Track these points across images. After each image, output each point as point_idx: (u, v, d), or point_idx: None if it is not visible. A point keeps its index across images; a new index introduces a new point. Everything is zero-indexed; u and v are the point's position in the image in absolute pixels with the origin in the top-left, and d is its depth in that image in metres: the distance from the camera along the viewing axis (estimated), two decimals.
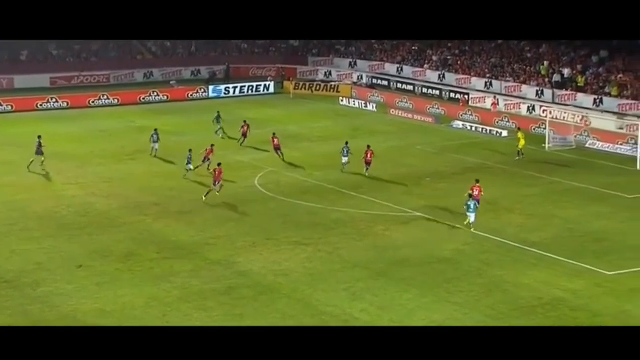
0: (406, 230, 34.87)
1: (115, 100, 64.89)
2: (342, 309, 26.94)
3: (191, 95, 67.58)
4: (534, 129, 54.30)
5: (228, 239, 33.85)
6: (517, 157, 47.27)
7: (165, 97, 66.64)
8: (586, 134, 51.78)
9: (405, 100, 64.79)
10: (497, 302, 27.47)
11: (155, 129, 48.36)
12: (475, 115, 59.18)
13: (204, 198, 38.77)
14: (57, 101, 63.60)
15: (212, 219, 36.31)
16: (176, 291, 28.42)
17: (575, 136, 51.13)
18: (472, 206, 34.71)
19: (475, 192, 36.00)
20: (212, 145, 44.36)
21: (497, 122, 57.30)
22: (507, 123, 56.80)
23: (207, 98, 67.37)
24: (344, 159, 44.41)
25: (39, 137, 45.70)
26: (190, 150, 43.04)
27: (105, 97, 64.79)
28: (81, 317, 26.11)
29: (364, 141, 46.45)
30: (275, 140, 47.12)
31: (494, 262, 31.23)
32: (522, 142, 47.66)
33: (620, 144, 49.94)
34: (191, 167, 42.75)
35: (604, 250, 32.45)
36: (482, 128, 55.65)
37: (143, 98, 65.84)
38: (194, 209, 37.80)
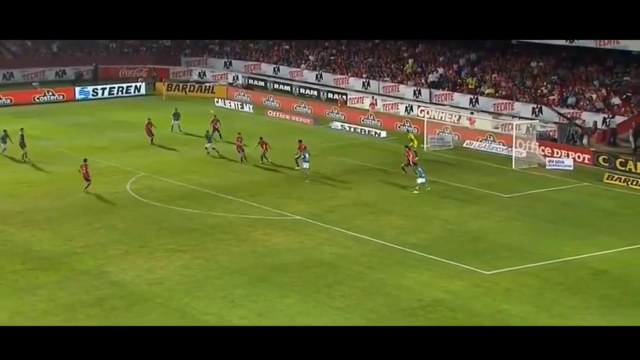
0: (286, 235, 34.40)
1: None
2: (220, 316, 26.43)
3: (38, 98, 64.18)
4: (398, 127, 55.03)
5: (99, 247, 32.64)
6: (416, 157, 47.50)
7: (9, 100, 62.90)
8: (446, 130, 52.35)
9: (271, 99, 64.45)
10: (379, 306, 27.44)
11: (22, 128, 46.80)
12: (342, 114, 59.39)
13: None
14: None
15: (81, 227, 34.90)
16: (42, 304, 27.23)
17: (438, 133, 51.62)
18: (422, 171, 40.58)
19: (411, 157, 42.60)
20: (261, 137, 46.11)
21: (363, 120, 57.61)
22: (373, 121, 57.26)
23: (63, 101, 64.52)
24: (209, 146, 47.22)
25: (22, 129, 46.45)
26: (304, 149, 43.39)
27: None
28: None
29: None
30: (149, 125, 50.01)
31: (375, 265, 31.17)
32: (415, 142, 47.77)
33: (481, 141, 50.87)
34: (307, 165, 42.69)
35: (481, 251, 32.81)
36: (361, 129, 55.75)
37: None
38: (61, 217, 36.30)
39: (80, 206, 37.76)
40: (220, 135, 50.79)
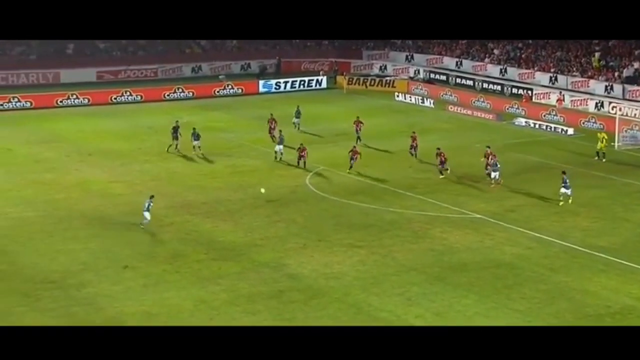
0: (465, 234, 33.63)
1: (139, 97, 63.41)
2: (396, 314, 26.19)
3: (218, 91, 65.94)
4: (583, 123, 53.22)
5: (278, 240, 32.99)
6: (596, 158, 45.08)
7: (191, 93, 64.95)
8: (635, 127, 49.37)
9: (449, 93, 63.56)
10: (562, 310, 26.48)
11: (194, 128, 47.03)
12: (523, 109, 57.72)
13: (441, 176, 41.32)
14: (130, 94, 63.33)
15: (261, 220, 35.42)
16: (224, 294, 27.80)
17: (626, 130, 48.80)
18: (567, 180, 36.81)
19: (491, 159, 39.97)
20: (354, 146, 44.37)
21: (544, 115, 55.77)
22: (555, 117, 55.42)
23: (242, 94, 65.88)
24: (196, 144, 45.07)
25: (177, 121, 47.46)
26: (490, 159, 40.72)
27: (128, 93, 63.41)
28: (127, 320, 25.65)
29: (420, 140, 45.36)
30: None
31: (559, 267, 30.08)
32: (604, 143, 45.26)
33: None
34: (497, 175, 39.71)
35: None
36: (547, 126, 53.73)
37: (167, 95, 64.35)
38: (242, 209, 36.93)
39: (259, 199, 38.21)
40: (273, 137, 48.27)
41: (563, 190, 37.07)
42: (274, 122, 49.47)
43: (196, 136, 46.32)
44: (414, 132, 46.09)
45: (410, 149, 45.10)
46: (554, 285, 28.30)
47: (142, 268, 29.98)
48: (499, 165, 40.03)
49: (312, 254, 31.35)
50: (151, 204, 33.98)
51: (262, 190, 36.09)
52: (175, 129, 46.96)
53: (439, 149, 42.40)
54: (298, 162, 43.62)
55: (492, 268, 29.87)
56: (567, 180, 37.08)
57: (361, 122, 49.27)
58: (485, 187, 40.20)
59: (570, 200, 37.04)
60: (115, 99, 62.80)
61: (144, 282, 28.67)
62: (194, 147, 46.27)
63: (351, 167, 42.54)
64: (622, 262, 30.33)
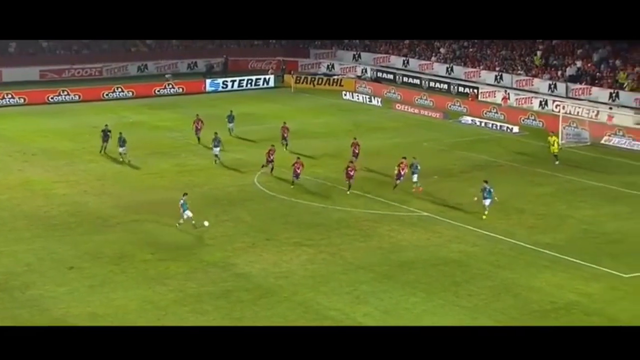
0: (412, 231, 33.82)
1: (77, 97, 62.36)
2: (345, 313, 26.25)
3: (158, 91, 65.24)
4: (522, 120, 54.08)
5: (226, 239, 32.84)
6: (557, 162, 44.02)
7: (131, 93, 64.07)
8: (572, 124, 49.78)
9: (393, 91, 64.06)
10: (508, 307, 26.75)
11: (120, 133, 45.37)
12: (465, 107, 58.56)
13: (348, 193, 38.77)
14: (68, 94, 62.18)
15: (209, 219, 34.95)
16: (172, 294, 27.59)
17: (565, 127, 49.31)
18: (491, 191, 35.05)
19: (403, 171, 38.57)
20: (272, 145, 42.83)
21: (485, 113, 56.58)
22: (496, 114, 55.95)
23: (182, 94, 65.39)
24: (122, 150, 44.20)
25: (106, 125, 46.55)
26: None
27: (65, 93, 62.30)
28: (73, 322, 25.30)
29: (364, 138, 45.28)
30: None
31: (505, 264, 30.40)
32: (556, 147, 44.54)
33: (620, 137, 48.68)
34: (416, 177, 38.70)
35: (621, 253, 31.46)
36: (492, 124, 54.32)
37: (106, 94, 63.33)
38: (189, 208, 36.40)
39: (207, 198, 38.07)
40: (198, 139, 48.04)
41: (486, 202, 35.04)
42: (200, 123, 48.58)
43: (122, 142, 44.55)
44: (355, 139, 44.54)
45: (353, 155, 43.24)
46: (500, 282, 28.57)
47: (88, 269, 29.62)
48: (419, 168, 39.13)
49: (261, 253, 31.28)
50: (184, 203, 33.49)
51: (206, 224, 33.82)
52: (105, 132, 46.12)
53: (351, 162, 40.71)
54: (267, 165, 41.63)
55: (440, 265, 30.10)
56: (490, 190, 35.11)
57: (287, 128, 47.68)
58: (431, 185, 40.36)
59: (486, 212, 35.02)
60: (52, 98, 61.75)
61: (90, 283, 28.34)
62: (120, 153, 44.50)
63: (293, 182, 40.10)
64: (567, 258, 30.75)
